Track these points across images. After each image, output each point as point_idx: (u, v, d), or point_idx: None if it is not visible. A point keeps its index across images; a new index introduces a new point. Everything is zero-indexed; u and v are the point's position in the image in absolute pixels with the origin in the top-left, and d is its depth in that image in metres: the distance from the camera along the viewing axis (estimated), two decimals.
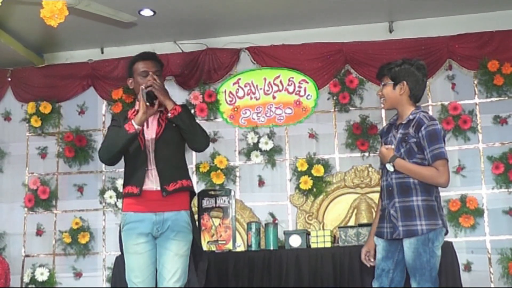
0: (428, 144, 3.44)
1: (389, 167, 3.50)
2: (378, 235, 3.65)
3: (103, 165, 5.96)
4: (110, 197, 5.89)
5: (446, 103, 5.60)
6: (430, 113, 5.60)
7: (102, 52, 6.22)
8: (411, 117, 3.55)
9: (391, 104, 3.65)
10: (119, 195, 5.86)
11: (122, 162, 3.85)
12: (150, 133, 3.72)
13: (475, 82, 5.62)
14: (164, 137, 3.72)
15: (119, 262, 4.90)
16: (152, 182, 3.67)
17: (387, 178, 3.57)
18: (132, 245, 3.64)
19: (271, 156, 5.74)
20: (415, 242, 3.42)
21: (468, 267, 5.38)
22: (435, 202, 3.51)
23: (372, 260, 3.74)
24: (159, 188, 3.65)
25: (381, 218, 3.67)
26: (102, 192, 5.95)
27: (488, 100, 5.59)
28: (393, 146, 3.56)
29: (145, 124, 3.69)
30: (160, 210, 3.64)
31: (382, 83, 3.65)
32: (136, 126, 3.59)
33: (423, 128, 3.46)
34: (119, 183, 5.86)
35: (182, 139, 3.74)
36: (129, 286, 3.67)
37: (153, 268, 3.67)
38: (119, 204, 5.85)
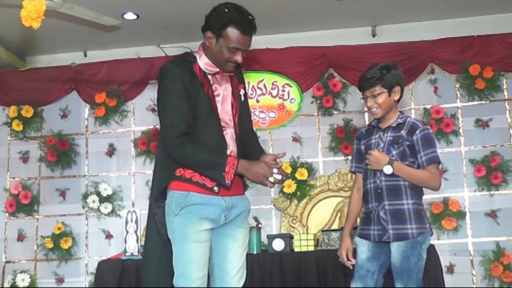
0: (423, 148, 3.43)
1: (387, 170, 3.42)
2: (363, 237, 3.58)
3: (86, 169, 5.99)
4: (93, 201, 5.85)
5: (428, 106, 5.65)
6: (413, 116, 5.65)
7: (85, 56, 6.19)
8: (400, 120, 3.53)
9: (386, 112, 3.53)
10: (102, 199, 5.83)
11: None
12: (225, 106, 3.11)
13: (457, 86, 5.67)
14: (240, 113, 3.18)
15: (102, 267, 4.87)
16: None
17: (375, 180, 3.50)
18: (194, 232, 2.94)
19: None
20: (404, 245, 3.39)
21: (450, 269, 5.43)
22: (423, 206, 3.52)
23: (352, 260, 3.64)
24: None
25: (366, 220, 3.59)
26: (85, 197, 5.91)
27: (470, 103, 5.65)
28: (379, 149, 3.52)
29: (218, 91, 3.10)
30: (230, 193, 3.03)
31: (375, 93, 3.49)
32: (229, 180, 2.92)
33: (418, 131, 3.44)
34: (102, 187, 5.83)
35: None
36: (184, 286, 2.93)
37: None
38: (102, 209, 5.82)
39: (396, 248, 3.41)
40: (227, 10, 3.00)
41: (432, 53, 5.63)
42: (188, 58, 3.10)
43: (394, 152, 3.47)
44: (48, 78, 6.03)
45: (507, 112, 5.59)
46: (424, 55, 5.63)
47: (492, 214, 5.46)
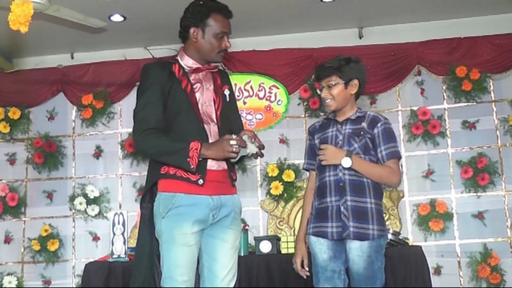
0: (384, 141, 3.29)
1: (346, 163, 3.21)
2: (319, 235, 3.30)
3: (73, 171, 5.97)
4: (80, 203, 5.82)
5: (415, 108, 5.65)
6: (400, 118, 5.68)
7: (72, 58, 6.17)
8: (359, 114, 3.38)
9: (340, 105, 3.37)
10: (89, 201, 5.81)
11: None
12: (205, 102, 3.11)
13: (444, 87, 5.68)
14: (224, 111, 3.16)
15: (89, 269, 4.86)
16: (213, 160, 3.01)
17: (337, 173, 3.26)
18: (182, 235, 2.92)
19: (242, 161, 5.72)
20: (368, 250, 3.19)
21: (438, 271, 5.43)
22: (382, 207, 3.35)
23: (307, 269, 3.40)
24: (220, 168, 3.05)
25: (320, 216, 3.32)
26: (72, 199, 5.88)
27: (457, 105, 5.65)
28: (338, 142, 3.34)
29: (198, 88, 3.11)
30: (218, 192, 3.02)
31: (330, 83, 3.34)
32: (200, 158, 2.92)
33: (379, 124, 3.31)
34: (89, 189, 5.81)
35: None
36: (170, 286, 2.94)
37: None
38: (89, 211, 5.80)
39: (359, 253, 3.20)
40: (202, 2, 3.09)
41: (419, 55, 5.63)
42: (169, 60, 3.17)
43: (356, 145, 3.30)
44: (35, 80, 6.01)
45: (494, 113, 5.60)
46: (411, 56, 5.63)
47: (479, 216, 5.47)
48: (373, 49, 5.67)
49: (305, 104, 5.77)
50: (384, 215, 3.37)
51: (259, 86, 5.84)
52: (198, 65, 3.13)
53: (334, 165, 3.27)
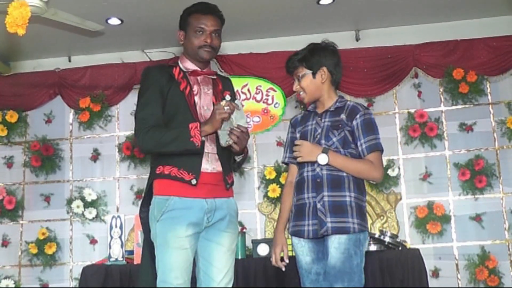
0: (363, 134, 3.13)
1: (322, 160, 3.08)
2: (297, 234, 3.19)
3: (71, 174, 5.96)
4: (78, 206, 5.82)
5: (412, 110, 5.65)
6: (397, 120, 5.67)
7: (70, 61, 6.16)
8: (339, 104, 3.23)
9: (312, 96, 3.27)
10: (86, 205, 5.80)
11: None
12: (203, 106, 3.12)
13: (441, 90, 5.69)
14: None
15: (87, 273, 4.85)
16: (208, 162, 3.04)
17: (314, 168, 3.14)
18: (176, 238, 2.93)
19: None
20: (346, 242, 3.02)
21: (436, 273, 5.42)
22: (364, 203, 3.18)
23: (286, 261, 3.24)
24: (215, 171, 3.05)
25: (298, 214, 3.21)
26: (69, 202, 5.88)
27: (454, 107, 5.65)
28: (317, 136, 3.22)
29: (197, 91, 3.14)
30: (212, 195, 3.02)
31: (298, 75, 3.27)
32: (203, 138, 2.98)
33: (358, 115, 3.15)
34: (86, 192, 5.81)
35: None
36: None
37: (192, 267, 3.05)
38: (87, 214, 5.79)
39: (336, 246, 3.03)
40: (188, 7, 3.23)
41: (416, 57, 5.63)
42: (170, 64, 3.25)
43: (334, 139, 3.15)
44: (32, 83, 6.02)
45: (491, 115, 5.60)
46: (407, 59, 5.64)
47: (477, 218, 5.47)
48: (370, 52, 5.67)
49: (302, 107, 5.76)
50: (366, 210, 3.20)
51: (256, 89, 5.85)
52: (196, 68, 3.18)
53: (311, 162, 3.16)
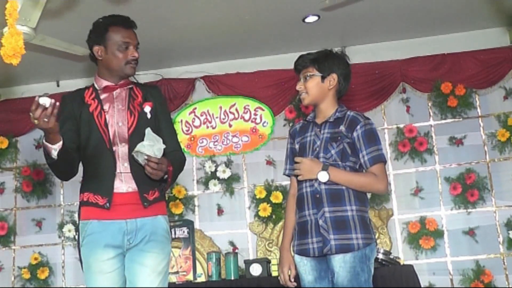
0: (365, 145, 3.06)
1: (323, 177, 3.03)
2: (301, 253, 3.13)
3: (62, 198, 5.97)
4: (69, 230, 5.82)
5: (401, 125, 5.63)
6: (386, 136, 5.64)
7: (58, 85, 6.17)
8: (338, 114, 3.16)
9: (314, 99, 3.19)
10: (77, 229, 5.78)
11: None
12: (118, 123, 3.02)
13: (429, 104, 5.66)
14: (138, 130, 2.98)
15: None
16: (122, 182, 2.95)
17: (312, 183, 3.08)
18: (96, 262, 2.87)
19: (229, 184, 5.72)
20: (351, 260, 2.96)
21: None
22: (368, 213, 3.12)
23: (294, 282, 3.21)
24: (130, 190, 2.95)
25: (301, 232, 3.14)
26: (61, 226, 5.88)
27: (443, 121, 5.63)
28: (315, 148, 3.16)
29: (109, 108, 3.04)
30: (132, 216, 2.93)
31: (306, 75, 3.19)
32: (56, 150, 2.79)
33: (359, 126, 3.08)
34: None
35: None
36: None
37: None
38: None
39: (342, 264, 2.97)
40: (101, 20, 3.09)
41: (403, 72, 5.62)
42: (86, 86, 3.16)
43: (333, 152, 3.08)
44: (21, 109, 5.99)
45: (481, 129, 5.57)
46: (395, 74, 5.63)
47: (470, 232, 5.42)
48: (357, 68, 5.59)
49: (290, 125, 5.75)
50: (369, 220, 3.13)
51: (244, 108, 5.84)
52: (109, 83, 3.07)
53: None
